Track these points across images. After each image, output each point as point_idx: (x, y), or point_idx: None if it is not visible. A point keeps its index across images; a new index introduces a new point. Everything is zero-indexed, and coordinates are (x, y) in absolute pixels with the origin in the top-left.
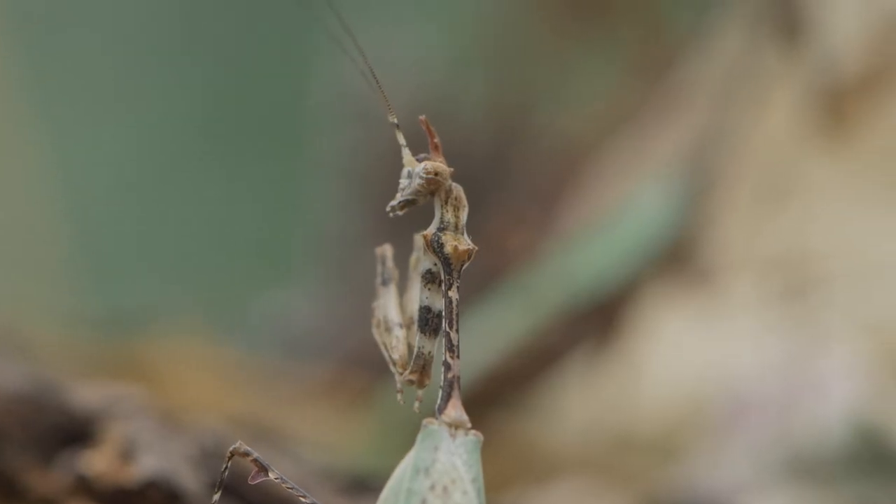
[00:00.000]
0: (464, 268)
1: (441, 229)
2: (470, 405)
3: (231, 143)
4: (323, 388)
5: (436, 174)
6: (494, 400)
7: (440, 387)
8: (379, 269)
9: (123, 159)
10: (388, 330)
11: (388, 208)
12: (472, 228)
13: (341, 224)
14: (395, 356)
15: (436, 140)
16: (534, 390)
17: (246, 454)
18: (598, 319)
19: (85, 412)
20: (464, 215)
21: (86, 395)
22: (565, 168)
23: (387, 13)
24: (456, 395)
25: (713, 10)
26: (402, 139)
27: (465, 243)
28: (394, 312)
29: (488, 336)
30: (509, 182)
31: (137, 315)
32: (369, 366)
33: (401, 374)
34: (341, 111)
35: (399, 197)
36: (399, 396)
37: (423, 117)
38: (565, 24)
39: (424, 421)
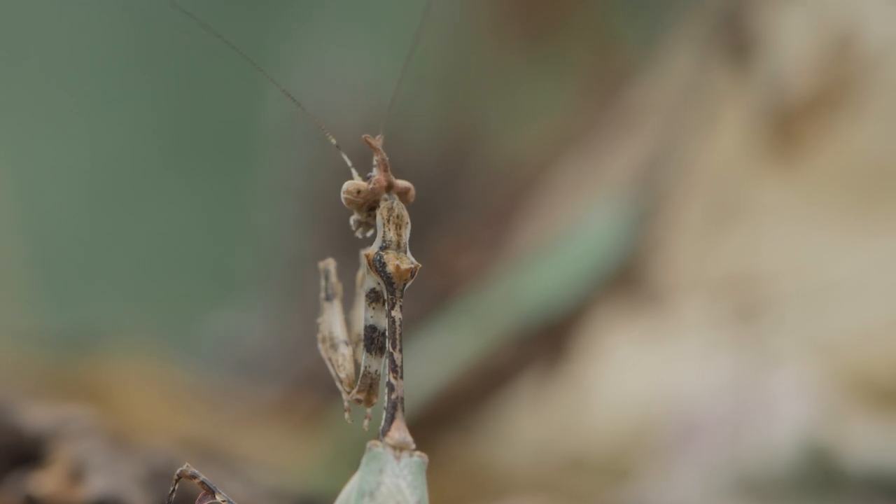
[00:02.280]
0: (407, 286)
1: (383, 248)
2: (419, 426)
3: (183, 162)
4: (273, 408)
5: (347, 193)
6: (444, 421)
7: (384, 408)
8: (322, 283)
9: (76, 176)
10: (334, 347)
11: (352, 225)
12: (422, 250)
13: (293, 244)
14: (342, 374)
15: (381, 157)
16: (484, 411)
17: (193, 476)
18: (548, 340)
19: (34, 432)
20: (406, 233)
21: (35, 415)
22: (515, 188)
23: (337, 33)
24: (400, 416)
25: (663, 29)
26: (347, 160)
27: (408, 262)
28: (339, 329)
29: (437, 357)
30: (459, 203)
31: (87, 334)
32: (320, 386)
33: (348, 392)
34: (293, 131)
35: (351, 219)
36: (347, 415)
37: (365, 136)
38: (515, 43)
39: (369, 443)
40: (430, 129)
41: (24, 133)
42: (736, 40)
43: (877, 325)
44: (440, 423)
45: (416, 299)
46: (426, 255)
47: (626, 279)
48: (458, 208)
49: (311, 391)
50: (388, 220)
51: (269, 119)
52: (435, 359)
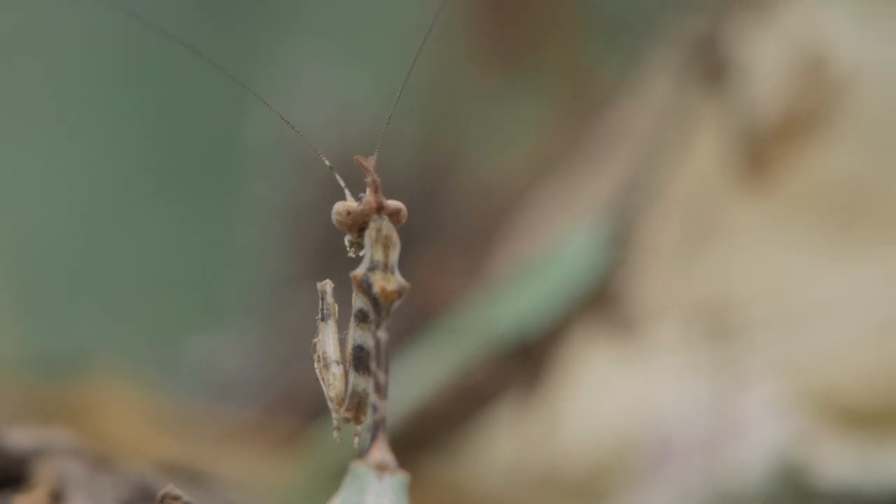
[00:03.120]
0: (394, 307)
1: (371, 269)
2: (399, 446)
3: (165, 186)
4: (255, 430)
5: (337, 215)
6: (423, 441)
7: (367, 428)
8: (319, 304)
9: (58, 200)
10: (326, 366)
11: (346, 245)
12: (402, 272)
13: (275, 266)
14: (332, 393)
15: (372, 178)
16: (462, 432)
17: (176, 498)
18: (526, 362)
19: (17, 455)
20: (394, 254)
21: (18, 437)
22: (495, 211)
23: (317, 56)
24: (382, 436)
25: (641, 55)
26: (341, 181)
27: (395, 283)
28: (332, 349)
29: (417, 378)
30: (439, 225)
31: (69, 357)
32: (302, 408)
33: (337, 411)
34: (276, 154)
35: (346, 239)
36: (336, 434)
37: (358, 156)
38: (493, 69)
39: (351, 463)
40: (411, 152)
41: (7, 155)
42: (711, 65)
43: (848, 346)
44: (419, 444)
45: (396, 321)
46: (406, 277)
47: (602, 301)
48: (438, 231)
49: (291, 413)
50: (376, 241)
51: (253, 142)
52: (413, 380)
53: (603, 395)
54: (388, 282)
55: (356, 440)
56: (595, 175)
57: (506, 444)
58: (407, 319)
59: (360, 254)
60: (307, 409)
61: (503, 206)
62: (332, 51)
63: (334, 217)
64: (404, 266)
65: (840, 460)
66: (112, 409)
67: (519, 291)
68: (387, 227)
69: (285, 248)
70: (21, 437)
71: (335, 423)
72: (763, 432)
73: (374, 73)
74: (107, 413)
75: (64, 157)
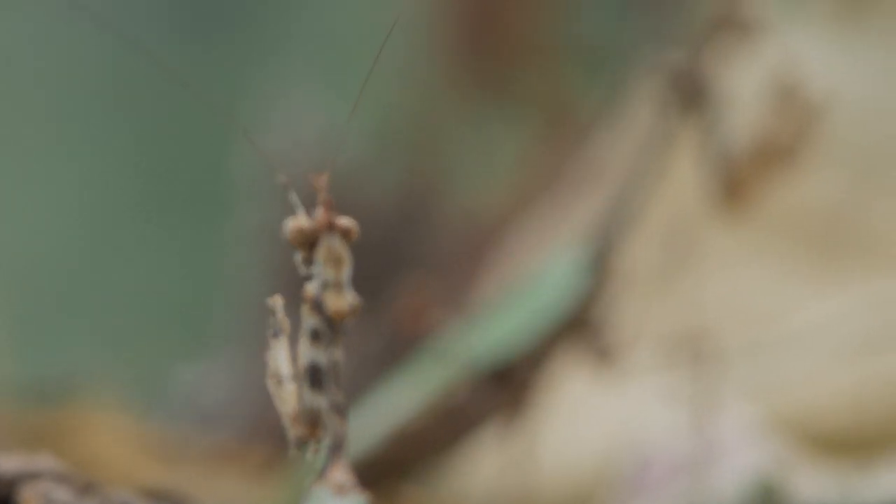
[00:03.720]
0: (348, 324)
1: (323, 287)
2: (380, 470)
3: (153, 216)
4: (238, 456)
5: (289, 232)
6: (405, 465)
7: (327, 448)
8: (270, 320)
9: (46, 230)
10: (280, 383)
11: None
12: (385, 299)
13: (261, 294)
14: (286, 409)
15: (323, 196)
16: (444, 456)
17: None
18: (507, 386)
19: (3, 480)
20: (345, 271)
21: (4, 463)
22: (478, 239)
23: (300, 84)
24: (342, 456)
25: (621, 85)
26: (294, 198)
27: (348, 301)
28: (285, 365)
29: (398, 403)
30: (422, 253)
31: (56, 384)
32: (283, 433)
33: (292, 428)
34: (261, 183)
35: (296, 256)
36: (293, 452)
37: (311, 174)
38: (475, 97)
39: (312, 485)
40: (393, 180)
41: None
42: (690, 95)
43: (824, 372)
44: (401, 468)
45: (376, 347)
46: (388, 305)
47: (581, 326)
48: (421, 258)
49: (275, 439)
50: (328, 259)
51: (239, 171)
52: (395, 405)
53: (583, 419)
54: (341, 300)
55: (312, 456)
56: (577, 203)
57: (488, 467)
58: (389, 346)
59: (312, 272)
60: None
61: (486, 234)
62: (314, 78)
63: (286, 234)
64: (386, 294)
65: (815, 484)
66: (98, 435)
67: (500, 317)
68: (338, 244)
69: (270, 275)
70: (7, 463)
71: (292, 440)
72: (740, 456)
73: (352, 100)
74: (93, 439)
75: (53, 189)
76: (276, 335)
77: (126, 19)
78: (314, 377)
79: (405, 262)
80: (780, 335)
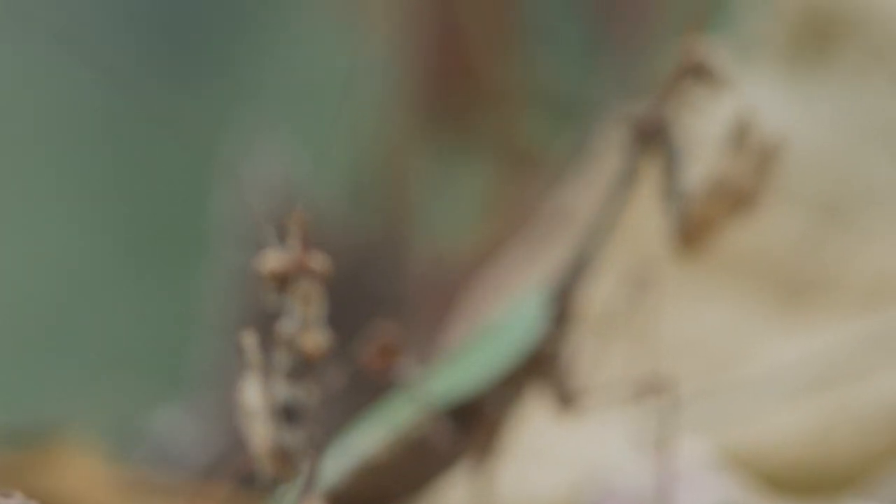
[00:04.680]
0: (321, 361)
1: (297, 325)
2: None
3: (130, 263)
4: (209, 498)
5: (262, 269)
6: (371, 502)
7: (298, 484)
8: (242, 357)
9: (24, 274)
10: (252, 420)
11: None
12: (351, 344)
13: (235, 338)
14: (260, 446)
15: (297, 235)
16: (412, 492)
17: None
18: (469, 422)
19: None
20: (318, 309)
21: None
22: (445, 286)
23: (271, 131)
24: (312, 490)
25: (589, 132)
26: (269, 235)
27: (321, 340)
28: (257, 403)
29: (361, 440)
30: (389, 299)
31: (29, 426)
32: (255, 472)
33: (263, 463)
34: (237, 228)
35: (267, 294)
36: (265, 488)
37: (287, 213)
38: (445, 144)
39: None
40: (362, 226)
41: None
42: (652, 142)
43: (782, 412)
44: None
45: (346, 389)
46: (353, 351)
47: (543, 367)
48: (389, 302)
49: (245, 480)
50: (301, 299)
51: (218, 216)
52: (358, 444)
53: (545, 456)
54: (315, 339)
55: (283, 494)
56: (544, 249)
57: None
58: (356, 392)
59: (285, 309)
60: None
61: (454, 279)
62: (287, 123)
63: (260, 272)
64: (354, 336)
65: None
66: (70, 477)
67: (462, 357)
68: (311, 283)
69: (246, 318)
70: None
71: (264, 476)
72: (700, 492)
73: (321, 155)
74: (65, 480)
75: (26, 236)
76: (248, 370)
77: (104, 62)
78: (288, 414)
79: (373, 305)
80: (740, 374)
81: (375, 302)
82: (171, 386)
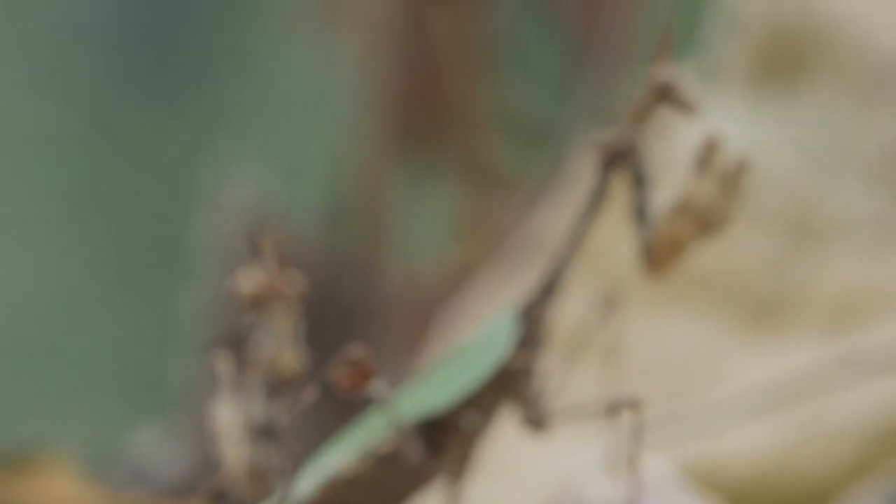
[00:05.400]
0: (296, 381)
1: (273, 346)
2: None
3: (109, 285)
4: None
5: (239, 289)
6: None
7: (272, 501)
8: (215, 377)
9: (2, 296)
10: (227, 439)
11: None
12: (323, 365)
13: (212, 362)
14: (235, 465)
15: (275, 258)
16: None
17: None
18: (437, 437)
19: None
20: (293, 330)
21: None
22: (419, 309)
23: (245, 156)
24: None
25: (562, 158)
26: (249, 255)
27: (294, 361)
28: (230, 421)
29: (337, 459)
30: (362, 320)
31: (9, 448)
32: (234, 499)
33: (237, 483)
34: (215, 253)
35: (244, 318)
36: (236, 502)
37: (266, 236)
38: (419, 170)
39: None
40: (335, 249)
41: None
42: (623, 167)
43: (750, 431)
44: None
45: (321, 410)
46: (324, 374)
47: (510, 381)
48: (362, 324)
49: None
50: (278, 319)
51: (195, 241)
52: (333, 464)
53: (513, 471)
54: (291, 359)
55: None
56: (517, 272)
57: None
58: (331, 412)
59: (259, 331)
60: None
61: (426, 302)
62: (261, 149)
63: (235, 291)
64: (326, 357)
65: None
66: (51, 498)
67: (431, 374)
68: (286, 304)
69: (225, 341)
70: None
71: (239, 495)
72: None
73: (294, 179)
74: (46, 501)
75: (9, 260)
76: (222, 391)
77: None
78: (263, 433)
79: (345, 326)
80: (708, 393)
81: (348, 323)
82: (148, 406)
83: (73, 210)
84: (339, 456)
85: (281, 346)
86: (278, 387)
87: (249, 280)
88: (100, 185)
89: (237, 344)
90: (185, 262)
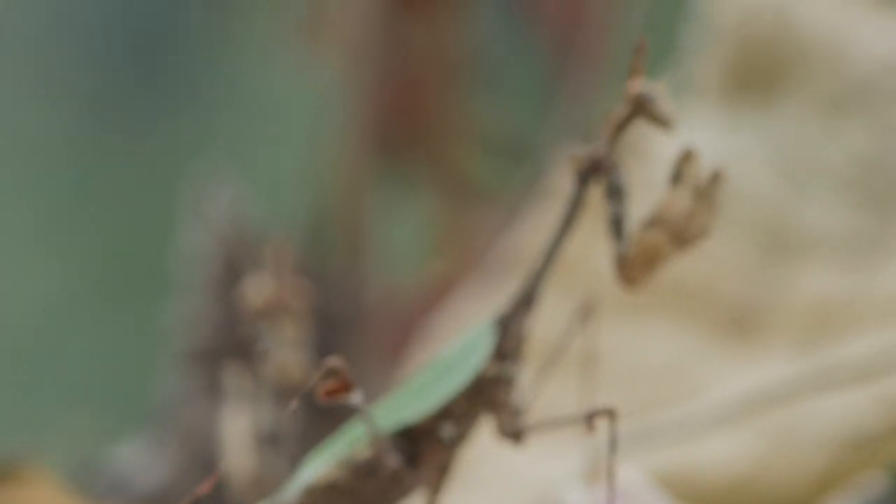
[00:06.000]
0: (305, 390)
1: (281, 356)
2: None
3: (92, 298)
4: None
5: (248, 303)
6: None
7: None
8: (227, 388)
9: None
10: (237, 448)
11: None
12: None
13: (196, 377)
14: (239, 474)
15: (282, 273)
16: None
17: None
18: (424, 448)
19: None
20: (298, 338)
21: None
22: (399, 323)
23: (226, 175)
24: None
25: (541, 173)
26: (262, 266)
27: (300, 367)
28: (241, 431)
29: (318, 467)
30: (342, 335)
31: None
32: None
33: (239, 490)
34: (199, 271)
35: (254, 325)
36: None
37: (272, 249)
38: (398, 186)
39: None
40: (318, 261)
41: None
42: (598, 180)
43: (725, 443)
44: None
45: (305, 422)
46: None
47: (486, 391)
48: (343, 341)
49: None
50: (285, 331)
51: (183, 257)
52: (314, 472)
53: (489, 479)
54: (297, 369)
55: None
56: (496, 286)
57: None
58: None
59: (265, 341)
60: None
61: (407, 315)
62: (240, 167)
63: (244, 304)
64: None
65: None
66: None
67: (413, 387)
68: (296, 316)
69: (209, 354)
70: None
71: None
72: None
73: (273, 194)
74: None
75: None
76: (234, 402)
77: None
78: (273, 441)
79: (326, 339)
80: (684, 402)
81: (329, 334)
82: (131, 418)
83: (56, 225)
84: (319, 465)
85: (288, 356)
86: (284, 396)
87: (258, 292)
88: (81, 200)
89: (219, 355)
90: (168, 275)
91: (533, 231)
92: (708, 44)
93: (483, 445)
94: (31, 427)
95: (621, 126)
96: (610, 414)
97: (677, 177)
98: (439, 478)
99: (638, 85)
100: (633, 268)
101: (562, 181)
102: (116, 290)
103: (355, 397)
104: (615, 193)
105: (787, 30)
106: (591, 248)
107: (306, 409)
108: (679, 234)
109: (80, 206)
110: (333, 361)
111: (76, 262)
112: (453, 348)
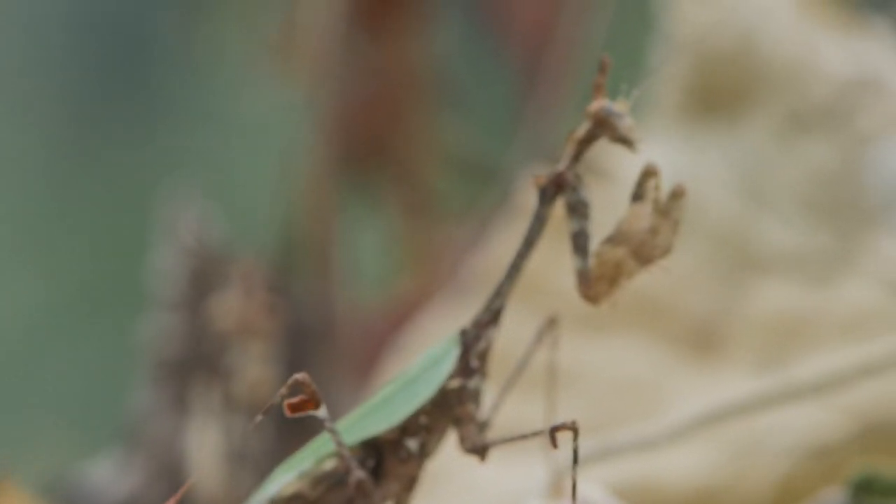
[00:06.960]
0: (254, 408)
1: (254, 373)
2: None
3: (65, 317)
4: None
5: (226, 323)
6: None
7: None
8: (194, 403)
9: None
10: (203, 463)
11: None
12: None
13: (170, 395)
14: (205, 485)
15: (259, 293)
16: None
17: None
18: (391, 460)
19: None
20: (264, 349)
21: None
22: (367, 340)
23: (196, 196)
24: None
25: (507, 192)
26: (236, 284)
27: (271, 387)
28: (206, 448)
29: (284, 479)
30: (311, 352)
31: None
32: None
33: (209, 502)
34: (171, 287)
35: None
36: None
37: (245, 268)
38: (367, 207)
39: None
40: (286, 280)
41: None
42: (561, 198)
43: (679, 455)
44: None
45: (273, 436)
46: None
47: (454, 407)
48: (313, 360)
49: None
50: (254, 347)
51: (153, 275)
52: (280, 484)
53: (459, 497)
54: (264, 385)
55: None
56: (462, 303)
57: None
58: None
59: (238, 358)
60: None
61: (374, 334)
62: (217, 179)
63: (213, 321)
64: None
65: None
66: None
67: (379, 400)
68: (263, 334)
69: (180, 371)
70: None
71: None
72: None
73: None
74: None
75: None
76: (207, 418)
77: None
78: (240, 454)
79: (294, 357)
80: (650, 416)
81: (298, 349)
82: (102, 434)
83: (29, 242)
84: (285, 478)
85: (256, 371)
86: (251, 411)
87: (226, 308)
88: (55, 217)
89: (187, 370)
90: (141, 292)
91: (500, 249)
92: (670, 61)
93: (448, 459)
94: (2, 441)
95: (584, 143)
96: (572, 428)
97: (639, 194)
98: (404, 491)
99: (601, 103)
100: (597, 284)
101: (528, 199)
102: (89, 307)
103: (321, 411)
104: (578, 210)
105: (749, 48)
106: (555, 264)
107: (273, 423)
108: (641, 250)
109: (53, 222)
110: (299, 376)
111: (49, 279)
112: (419, 362)
